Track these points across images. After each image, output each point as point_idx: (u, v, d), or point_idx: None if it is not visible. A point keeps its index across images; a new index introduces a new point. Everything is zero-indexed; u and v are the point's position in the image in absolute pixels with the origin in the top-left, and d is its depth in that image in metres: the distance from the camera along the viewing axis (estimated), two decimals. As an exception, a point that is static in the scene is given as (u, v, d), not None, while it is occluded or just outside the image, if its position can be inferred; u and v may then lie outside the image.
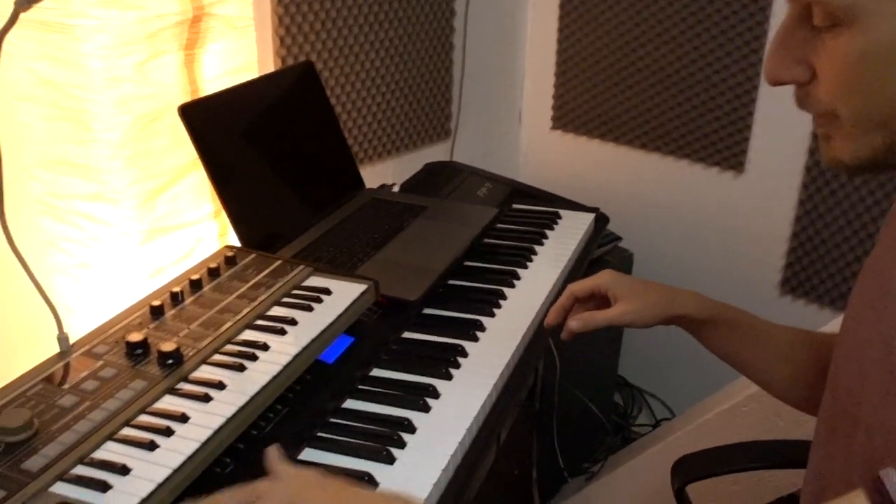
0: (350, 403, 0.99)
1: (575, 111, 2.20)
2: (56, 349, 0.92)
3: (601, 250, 1.94)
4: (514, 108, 2.31)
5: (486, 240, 1.44)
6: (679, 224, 2.09)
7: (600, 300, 1.06)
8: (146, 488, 0.72)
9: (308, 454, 0.90)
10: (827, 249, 1.87)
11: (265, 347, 0.94)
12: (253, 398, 0.86)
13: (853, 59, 0.64)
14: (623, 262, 2.00)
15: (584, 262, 1.49)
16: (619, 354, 2.13)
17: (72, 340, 0.93)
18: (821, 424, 0.88)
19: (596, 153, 2.20)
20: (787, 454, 1.12)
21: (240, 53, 1.30)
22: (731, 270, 2.04)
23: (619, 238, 1.98)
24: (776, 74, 0.69)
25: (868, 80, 0.64)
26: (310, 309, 1.03)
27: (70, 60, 1.06)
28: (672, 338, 2.05)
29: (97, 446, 0.77)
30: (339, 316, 1.03)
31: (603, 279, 1.06)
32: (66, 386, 0.85)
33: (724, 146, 1.96)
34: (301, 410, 0.95)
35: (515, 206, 1.60)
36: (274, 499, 0.71)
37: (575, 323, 1.04)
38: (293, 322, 1.00)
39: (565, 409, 1.84)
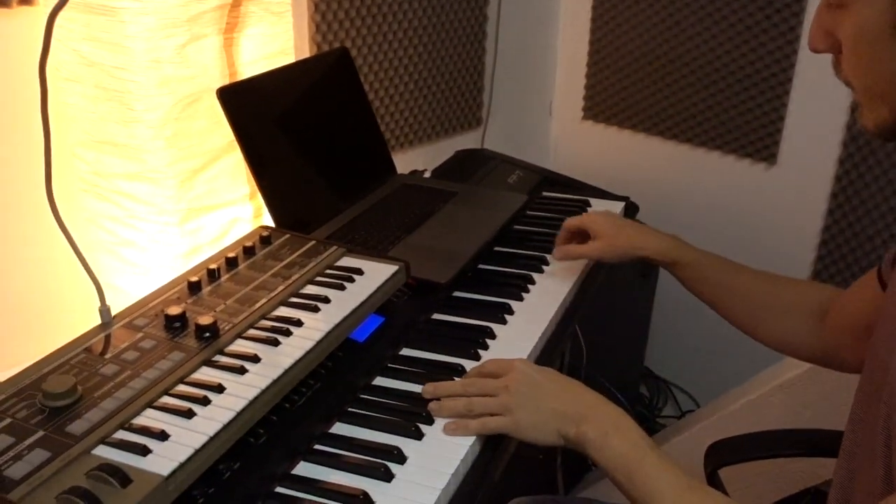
0: (380, 381, 1.01)
1: (606, 102, 2.20)
2: (98, 321, 0.95)
3: (630, 240, 1.94)
4: (545, 98, 2.32)
5: (516, 226, 1.45)
6: (709, 216, 2.09)
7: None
8: (184, 453, 0.75)
9: (338, 428, 0.92)
10: (859, 243, 1.85)
11: (299, 324, 0.97)
12: (286, 372, 0.89)
13: (852, 37, 0.73)
14: (652, 253, 2.00)
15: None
16: (645, 345, 2.13)
17: (113, 313, 0.97)
18: (856, 403, 0.89)
19: (626, 144, 2.20)
20: (820, 443, 1.13)
21: (277, 38, 1.32)
22: (763, 263, 2.01)
23: (648, 228, 1.98)
24: (812, 43, 0.79)
25: (864, 56, 0.73)
26: (342, 288, 1.05)
27: (114, 42, 1.09)
28: (698, 329, 2.06)
29: (137, 413, 0.80)
30: (371, 295, 1.05)
31: (589, 217, 1.24)
32: (107, 356, 0.88)
33: (756, 138, 1.95)
34: (332, 386, 0.98)
35: (545, 193, 1.62)
36: (512, 387, 0.89)
37: (557, 254, 1.25)
38: (326, 300, 1.02)
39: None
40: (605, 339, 1.82)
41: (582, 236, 1.24)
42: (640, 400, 2.27)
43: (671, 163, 2.12)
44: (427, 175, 1.60)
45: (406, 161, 1.86)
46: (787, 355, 1.18)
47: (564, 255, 1.25)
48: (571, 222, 1.25)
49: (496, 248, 1.37)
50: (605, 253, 1.20)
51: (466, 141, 2.05)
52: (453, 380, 0.99)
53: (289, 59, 1.37)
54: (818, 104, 1.83)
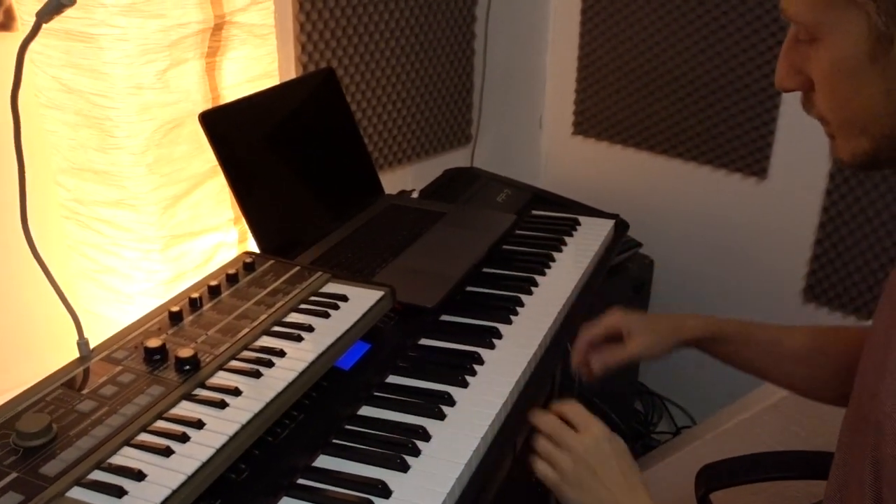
0: (365, 410, 0.99)
1: (596, 117, 2.19)
2: (77, 354, 0.93)
3: (621, 257, 1.93)
4: (535, 114, 2.31)
5: (505, 246, 1.44)
6: (700, 231, 2.08)
7: (613, 337, 1.15)
8: (161, 494, 0.73)
9: (322, 461, 0.90)
10: (851, 257, 1.84)
11: (281, 354, 0.95)
12: (268, 404, 0.87)
13: (827, 70, 0.71)
14: (643, 269, 1.99)
15: (604, 269, 1.48)
16: (639, 362, 2.11)
17: (92, 345, 0.95)
18: (844, 430, 0.88)
19: (617, 159, 2.19)
20: (813, 464, 1.12)
21: (261, 61, 1.31)
22: (754, 278, 2.02)
23: (639, 244, 1.97)
24: (780, 82, 0.77)
25: (841, 90, 0.71)
26: (326, 315, 1.04)
27: (93, 68, 1.08)
28: (693, 345, 2.04)
29: (114, 451, 0.78)
30: (356, 323, 1.03)
31: (615, 319, 1.15)
32: (85, 391, 0.86)
33: (747, 152, 1.94)
34: (317, 417, 0.96)
35: (535, 212, 1.60)
36: (576, 456, 0.90)
37: (596, 366, 1.14)
38: (310, 328, 1.00)
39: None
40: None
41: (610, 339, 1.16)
42: (635, 415, 2.26)
43: (662, 177, 2.11)
44: (415, 195, 1.58)
45: (396, 180, 1.85)
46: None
47: (607, 367, 1.14)
48: (594, 333, 1.16)
49: (485, 270, 1.36)
50: (651, 350, 1.12)
51: (456, 158, 2.04)
52: (440, 409, 0.97)
53: (273, 81, 1.35)
54: (808, 118, 1.82)
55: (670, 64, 2.00)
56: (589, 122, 2.21)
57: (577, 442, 0.92)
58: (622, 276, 1.93)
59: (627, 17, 2.04)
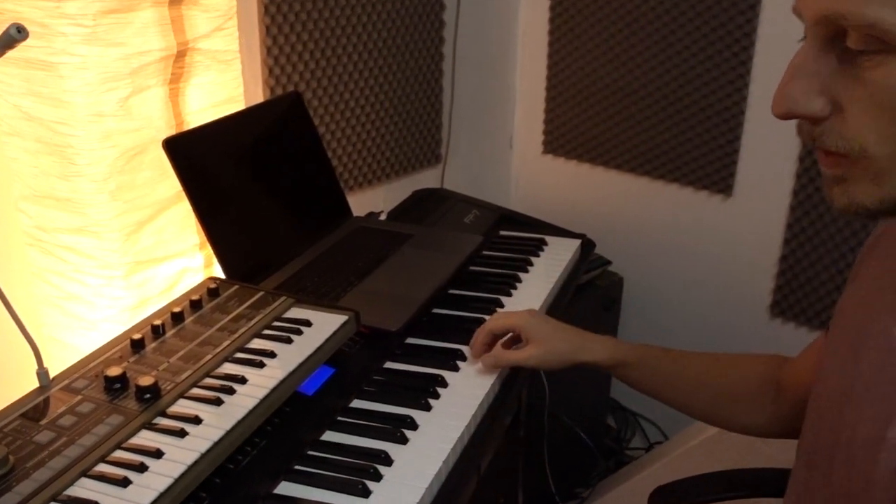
0: (328, 436, 1.00)
1: (565, 136, 2.22)
2: (37, 384, 0.93)
3: (591, 274, 1.95)
4: (505, 134, 2.33)
5: (472, 267, 1.45)
6: (669, 248, 2.10)
7: (518, 337, 1.12)
8: (117, 526, 0.73)
9: (284, 488, 0.90)
10: (816, 272, 1.87)
11: (243, 381, 0.95)
12: (229, 432, 0.87)
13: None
14: (613, 286, 2.01)
15: (571, 288, 1.50)
16: (610, 378, 2.13)
17: (53, 374, 0.94)
18: (800, 458, 0.88)
19: (586, 177, 2.21)
20: (766, 482, 1.13)
21: (225, 86, 1.32)
22: (722, 293, 2.05)
23: (608, 262, 1.99)
24: (791, 106, 0.61)
25: None
26: (289, 341, 1.04)
27: (54, 97, 1.08)
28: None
29: (71, 483, 0.78)
30: (319, 348, 1.03)
31: (520, 319, 1.12)
32: (43, 421, 0.86)
33: (713, 170, 1.97)
34: (279, 444, 0.96)
35: (502, 232, 1.62)
36: None
37: (487, 360, 1.12)
38: (272, 355, 1.01)
39: (556, 434, 1.85)
40: (569, 374, 1.81)
41: (516, 338, 1.14)
42: (608, 432, 2.27)
43: (630, 195, 2.13)
44: (383, 217, 1.59)
45: (366, 201, 1.86)
46: (760, 437, 1.10)
47: (495, 363, 1.11)
48: (497, 325, 1.13)
49: (452, 291, 1.36)
50: (542, 361, 1.09)
51: (427, 178, 2.05)
52: (402, 433, 0.98)
53: (239, 105, 1.36)
54: (771, 137, 1.86)
55: (637, 84, 2.03)
56: (558, 141, 2.23)
57: None
58: (592, 293, 1.95)
59: (594, 38, 2.07)
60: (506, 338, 1.15)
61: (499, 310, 1.31)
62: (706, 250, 2.04)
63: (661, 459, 1.68)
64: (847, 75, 0.59)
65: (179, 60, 1.20)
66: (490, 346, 1.15)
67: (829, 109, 0.61)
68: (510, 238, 1.59)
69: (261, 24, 1.56)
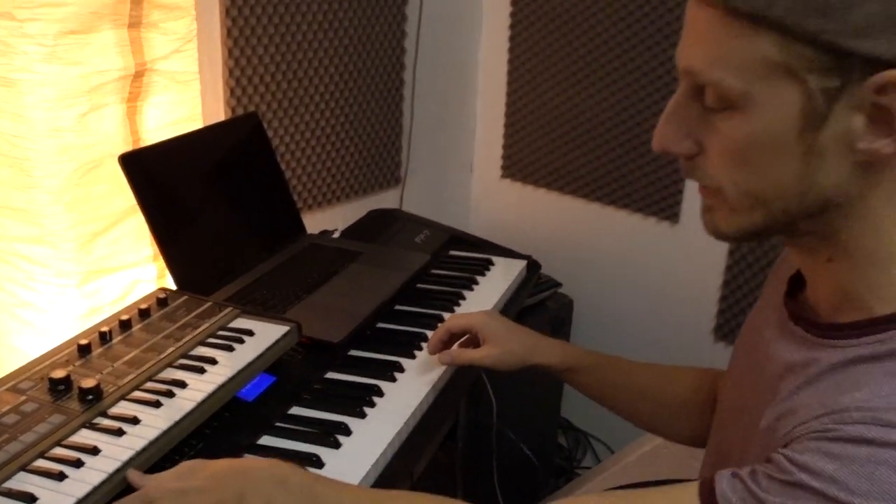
0: (265, 440, 1.04)
1: (523, 161, 2.29)
2: (-15, 384, 0.97)
3: (541, 296, 2.01)
4: (465, 157, 2.40)
5: (420, 285, 1.51)
6: (618, 271, 2.17)
7: (475, 337, 1.15)
8: (50, 515, 0.77)
9: (218, 487, 0.95)
10: (756, 297, 1.94)
11: (183, 385, 1.00)
12: (165, 433, 0.92)
13: (742, 142, 0.66)
14: (562, 308, 2.07)
15: (516, 306, 1.56)
16: (560, 396, 2.19)
17: (1, 376, 0.99)
18: (707, 458, 0.95)
19: (542, 202, 2.28)
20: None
21: (183, 105, 1.38)
22: (668, 317, 2.12)
23: (558, 284, 2.06)
24: (665, 145, 0.71)
25: (754, 163, 0.66)
26: (231, 349, 1.09)
27: (13, 112, 1.13)
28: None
29: (9, 476, 0.82)
30: (259, 356, 1.08)
31: (477, 319, 1.15)
32: (-13, 419, 0.90)
33: (660, 197, 2.05)
34: (216, 446, 1.01)
35: (452, 252, 1.68)
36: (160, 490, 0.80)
37: (444, 358, 1.15)
38: (213, 361, 1.06)
39: (504, 451, 1.90)
40: (518, 392, 1.87)
41: (473, 338, 1.17)
42: (559, 451, 2.32)
43: (582, 220, 2.21)
44: (336, 235, 1.65)
45: (325, 220, 1.91)
46: (697, 447, 1.13)
47: (451, 361, 1.15)
48: (454, 323, 1.17)
49: (398, 307, 1.42)
50: (498, 361, 1.11)
51: (386, 199, 2.11)
52: (335, 438, 1.03)
53: (197, 125, 1.42)
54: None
55: (591, 113, 2.11)
56: (516, 166, 2.31)
57: (142, 496, 0.81)
58: (542, 314, 2.01)
59: (551, 69, 2.15)
60: (464, 338, 1.19)
61: (440, 325, 1.36)
62: (654, 275, 2.12)
63: (601, 475, 1.73)
64: (708, 122, 0.68)
65: (137, 80, 1.26)
66: (448, 344, 1.19)
67: (696, 149, 0.70)
68: (458, 258, 1.65)
69: (224, 46, 1.62)
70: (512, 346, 1.11)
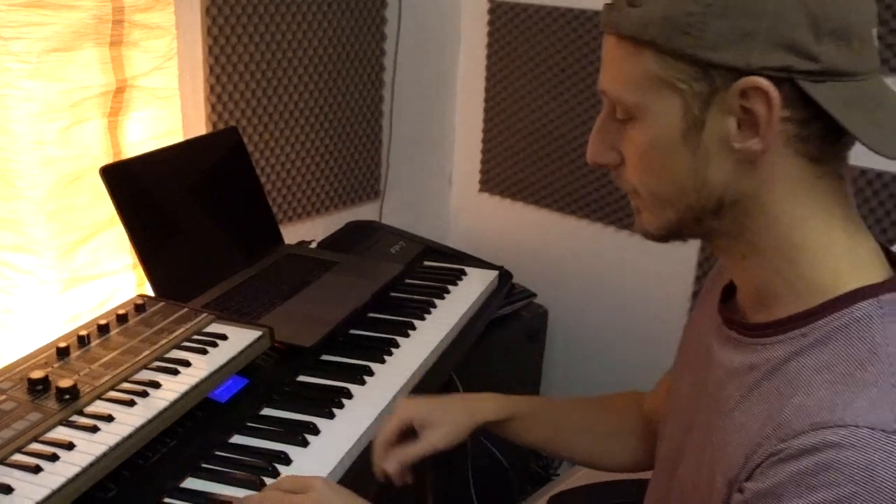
0: (236, 439, 1.09)
1: (500, 175, 2.35)
2: (-35, 385, 1.02)
3: (516, 305, 2.06)
4: (443, 171, 2.46)
5: (393, 293, 1.56)
6: (592, 282, 2.23)
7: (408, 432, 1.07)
8: (25, 505, 0.82)
9: (190, 482, 1.00)
10: (724, 308, 2.00)
11: (157, 385, 1.05)
12: (137, 430, 0.96)
13: (643, 147, 0.75)
14: (537, 318, 2.13)
15: (487, 314, 1.61)
16: (536, 405, 2.23)
17: (-18, 378, 1.03)
18: (658, 464, 0.99)
19: (519, 215, 2.34)
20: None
21: (164, 120, 1.43)
22: (640, 326, 2.17)
23: (533, 294, 2.11)
24: (595, 157, 0.79)
25: (656, 166, 0.75)
26: (204, 352, 1.14)
27: (-2, 125, 1.18)
28: (589, 388, 2.17)
29: (-13, 469, 0.87)
30: (231, 359, 1.13)
31: (405, 413, 1.05)
32: (-32, 417, 0.95)
33: (631, 210, 2.11)
34: (188, 444, 1.05)
35: (426, 263, 1.73)
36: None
37: (390, 466, 1.02)
38: (186, 364, 1.10)
39: (480, 456, 1.94)
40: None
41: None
42: (538, 458, 2.36)
43: (557, 232, 2.26)
44: (313, 245, 1.70)
45: (304, 232, 1.96)
46: (638, 472, 1.15)
47: (402, 464, 1.02)
48: (387, 435, 1.03)
49: (371, 315, 1.47)
50: (445, 441, 1.04)
51: (365, 212, 2.17)
52: (304, 437, 1.08)
53: (177, 139, 1.47)
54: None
55: (565, 128, 2.17)
56: (494, 180, 2.37)
57: (304, 499, 0.87)
58: (517, 324, 2.06)
59: (526, 85, 2.21)
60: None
61: (410, 332, 1.41)
62: (626, 285, 2.17)
63: (574, 475, 1.78)
64: (622, 134, 0.77)
65: (118, 95, 1.31)
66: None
67: (619, 159, 0.78)
68: (432, 268, 1.71)
69: (205, 63, 1.67)
70: (454, 419, 1.06)
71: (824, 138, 0.70)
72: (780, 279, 0.74)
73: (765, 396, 0.72)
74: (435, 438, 1.03)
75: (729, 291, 0.86)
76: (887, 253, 0.77)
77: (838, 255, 0.73)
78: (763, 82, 0.67)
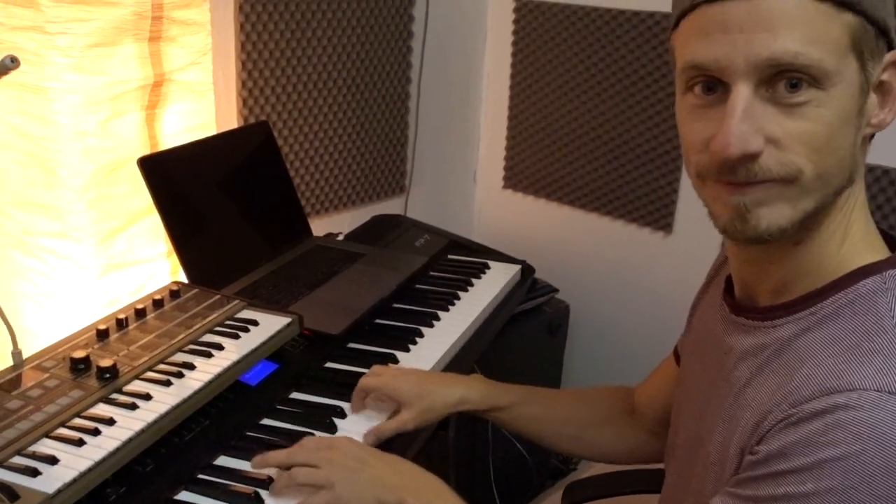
0: (266, 420, 1.13)
1: (524, 172, 2.38)
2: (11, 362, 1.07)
3: (538, 300, 2.09)
4: (469, 168, 2.49)
5: (418, 285, 1.60)
6: (613, 278, 2.25)
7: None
8: (69, 475, 0.86)
9: (222, 460, 1.04)
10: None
11: (191, 367, 1.09)
12: (173, 408, 1.01)
13: (829, 119, 0.68)
14: (559, 312, 2.16)
15: (509, 307, 1.64)
16: (557, 399, 2.26)
17: (25, 356, 1.08)
18: (668, 453, 1.02)
19: (541, 212, 2.37)
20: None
21: (199, 114, 1.48)
22: (659, 321, 2.19)
23: (555, 290, 2.14)
24: (745, 146, 0.68)
25: (834, 141, 0.69)
26: (237, 337, 1.18)
27: (42, 116, 1.23)
28: (609, 380, 2.20)
29: (34, 441, 0.91)
30: (262, 344, 1.17)
31: (389, 384, 1.12)
32: (14, 392, 1.00)
33: (655, 208, 2.13)
34: (221, 424, 1.10)
35: (450, 256, 1.77)
36: (336, 463, 0.91)
37: (368, 438, 1.08)
38: (220, 347, 1.15)
39: (501, 450, 1.97)
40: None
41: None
42: (557, 453, 2.39)
43: (579, 229, 2.29)
44: (341, 237, 1.74)
45: (331, 225, 2.01)
46: (623, 464, 1.20)
47: (376, 439, 1.08)
48: (367, 383, 1.13)
49: (396, 305, 1.51)
50: (422, 420, 1.09)
51: (390, 207, 2.21)
52: (331, 420, 1.11)
53: (211, 132, 1.52)
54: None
55: (588, 127, 2.20)
56: (517, 177, 2.40)
57: (330, 452, 0.92)
58: (538, 318, 2.09)
59: (551, 84, 2.24)
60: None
61: (435, 322, 1.45)
62: (646, 282, 2.19)
63: (591, 468, 1.81)
64: (780, 112, 0.68)
65: (156, 89, 1.36)
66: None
67: (763, 145, 0.69)
68: (456, 261, 1.74)
69: (237, 59, 1.72)
70: (429, 402, 1.10)
71: None
72: (816, 261, 0.75)
73: (775, 372, 0.74)
74: (408, 420, 1.09)
75: (730, 283, 0.88)
76: (884, 235, 0.79)
77: (860, 236, 0.75)
78: None
